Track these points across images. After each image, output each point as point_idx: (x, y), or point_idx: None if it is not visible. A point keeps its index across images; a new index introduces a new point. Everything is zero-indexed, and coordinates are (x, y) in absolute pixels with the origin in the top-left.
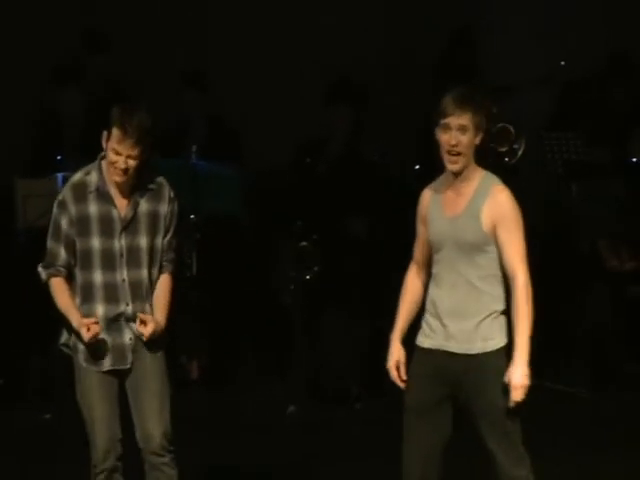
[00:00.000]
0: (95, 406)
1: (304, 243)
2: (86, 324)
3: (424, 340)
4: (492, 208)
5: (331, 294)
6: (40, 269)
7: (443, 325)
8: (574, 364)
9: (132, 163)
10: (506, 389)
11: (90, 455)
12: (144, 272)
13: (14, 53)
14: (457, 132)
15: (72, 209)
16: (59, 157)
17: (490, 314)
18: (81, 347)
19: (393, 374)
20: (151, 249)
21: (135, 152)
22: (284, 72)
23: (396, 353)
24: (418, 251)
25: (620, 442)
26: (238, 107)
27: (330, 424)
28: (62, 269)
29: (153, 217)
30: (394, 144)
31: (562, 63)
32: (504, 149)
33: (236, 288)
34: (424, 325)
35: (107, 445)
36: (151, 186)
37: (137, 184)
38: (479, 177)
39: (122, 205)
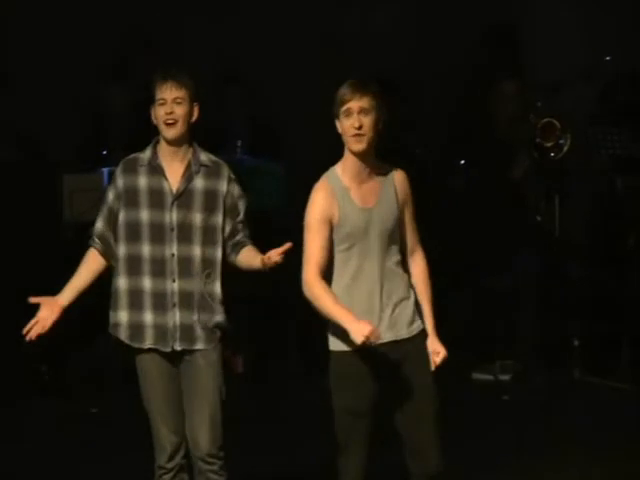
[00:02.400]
0: (159, 404)
1: None
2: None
3: (351, 343)
4: (401, 191)
5: None
6: (91, 240)
7: (377, 318)
8: (618, 358)
9: (179, 109)
10: (431, 368)
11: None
12: (196, 249)
13: (64, 52)
14: (359, 115)
15: (120, 181)
16: (104, 152)
17: (411, 297)
18: (123, 323)
19: (375, 339)
20: (206, 227)
21: (179, 94)
22: (322, 69)
23: (364, 321)
24: (319, 253)
25: None
26: (278, 105)
27: None
28: (97, 240)
29: (210, 194)
30: (432, 140)
31: (607, 58)
32: (550, 144)
33: (282, 283)
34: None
35: (173, 445)
36: (207, 163)
37: (191, 160)
38: (378, 165)
39: (174, 179)
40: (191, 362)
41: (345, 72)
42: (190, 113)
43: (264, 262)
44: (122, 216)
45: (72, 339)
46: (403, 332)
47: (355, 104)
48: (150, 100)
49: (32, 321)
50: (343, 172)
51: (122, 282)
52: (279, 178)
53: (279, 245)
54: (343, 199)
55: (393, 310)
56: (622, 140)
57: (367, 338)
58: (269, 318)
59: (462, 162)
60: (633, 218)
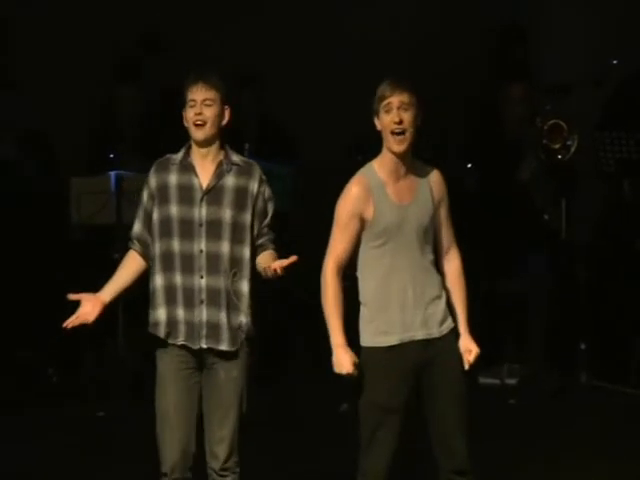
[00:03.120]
0: (169, 411)
1: None
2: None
3: (386, 339)
4: (437, 190)
5: None
6: (130, 243)
7: (409, 316)
8: (627, 362)
9: (208, 110)
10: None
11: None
12: (225, 246)
13: (75, 53)
14: (399, 110)
15: (152, 181)
16: (112, 155)
17: (443, 296)
18: (162, 321)
19: (354, 374)
20: (235, 224)
21: (209, 95)
22: (335, 72)
23: (350, 355)
24: (342, 248)
25: None
26: (290, 107)
27: None
28: (135, 242)
29: (241, 192)
30: (443, 142)
31: (614, 62)
32: (557, 146)
33: (288, 285)
34: (382, 324)
35: (174, 459)
36: (239, 163)
37: (222, 160)
38: (415, 163)
39: (205, 176)
40: (212, 373)
41: (357, 75)
42: (220, 115)
43: (265, 270)
44: (155, 214)
45: (81, 343)
46: (434, 331)
47: (395, 99)
48: (164, 101)
49: (72, 317)
50: (380, 168)
51: (158, 279)
52: (289, 181)
53: (289, 248)
54: (379, 195)
55: (426, 308)
56: (629, 144)
57: (343, 373)
58: (275, 320)
59: (469, 165)
60: None
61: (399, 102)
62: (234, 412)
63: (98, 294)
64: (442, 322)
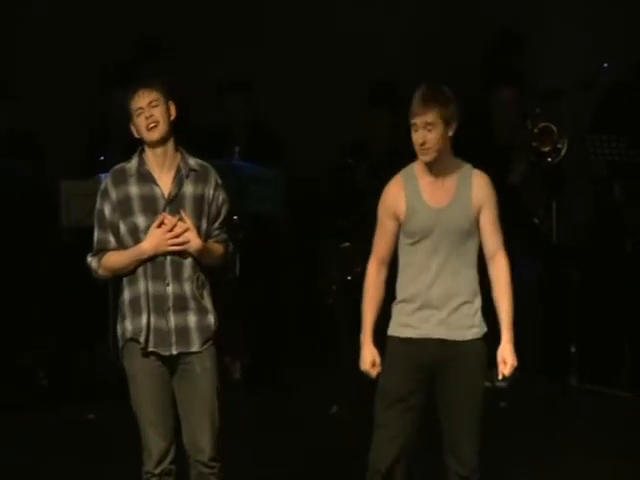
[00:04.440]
0: (147, 409)
1: (346, 244)
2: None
3: (405, 330)
4: (478, 193)
5: None
6: (89, 258)
7: (432, 314)
8: (618, 365)
9: (156, 112)
10: (484, 375)
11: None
12: (187, 253)
13: (67, 57)
14: (424, 130)
15: (113, 194)
16: (102, 158)
17: (473, 301)
18: (128, 327)
19: (371, 374)
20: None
21: (153, 96)
22: (325, 75)
23: (371, 353)
24: (382, 247)
25: None
26: (279, 111)
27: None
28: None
29: (198, 199)
30: None
31: (605, 65)
32: (547, 149)
33: (279, 289)
34: (403, 316)
35: (160, 450)
36: (195, 167)
37: (180, 164)
38: (458, 165)
39: (165, 184)
40: (187, 369)
41: (347, 77)
42: (168, 112)
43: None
44: (122, 227)
45: (71, 344)
46: (456, 334)
47: (420, 120)
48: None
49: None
50: (418, 169)
51: (129, 290)
52: (278, 184)
53: (277, 250)
54: (413, 196)
55: (449, 310)
56: (620, 147)
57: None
58: (266, 324)
59: None
60: (630, 223)
61: (424, 124)
62: (213, 403)
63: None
64: (469, 327)
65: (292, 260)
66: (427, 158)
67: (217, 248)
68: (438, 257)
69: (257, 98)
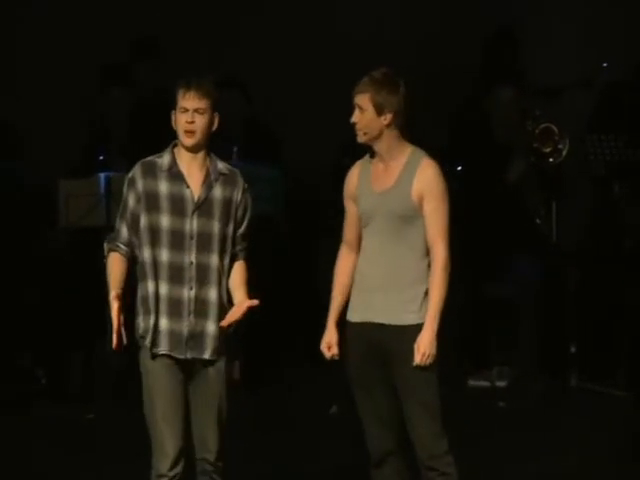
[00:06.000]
0: (164, 411)
1: None
2: (117, 298)
3: (353, 315)
4: (420, 181)
5: None
6: (105, 243)
7: (371, 298)
8: (617, 365)
9: (199, 119)
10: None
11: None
12: (214, 258)
13: (64, 56)
14: (357, 110)
15: (140, 185)
16: (101, 157)
17: (415, 287)
18: (148, 329)
19: (326, 355)
20: (222, 236)
21: (201, 105)
22: (323, 74)
23: (329, 335)
24: (348, 231)
25: None
26: (276, 109)
27: None
28: (122, 246)
29: (227, 203)
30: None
31: (604, 65)
32: (548, 149)
33: (278, 289)
34: (352, 300)
35: (176, 450)
36: (224, 171)
37: (209, 168)
38: (407, 152)
39: (195, 186)
40: (201, 371)
41: (345, 76)
42: (211, 123)
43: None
44: (143, 221)
45: (69, 343)
46: (391, 318)
47: (355, 99)
48: (153, 103)
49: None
50: (375, 155)
51: (145, 288)
52: (276, 184)
53: (273, 250)
54: (363, 180)
55: (389, 294)
56: (618, 146)
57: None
58: (265, 324)
59: (459, 168)
60: (629, 223)
61: (355, 104)
62: (223, 405)
63: (114, 295)
64: (404, 312)
65: (292, 260)
66: (359, 139)
67: (244, 278)
68: (379, 241)
69: (255, 97)
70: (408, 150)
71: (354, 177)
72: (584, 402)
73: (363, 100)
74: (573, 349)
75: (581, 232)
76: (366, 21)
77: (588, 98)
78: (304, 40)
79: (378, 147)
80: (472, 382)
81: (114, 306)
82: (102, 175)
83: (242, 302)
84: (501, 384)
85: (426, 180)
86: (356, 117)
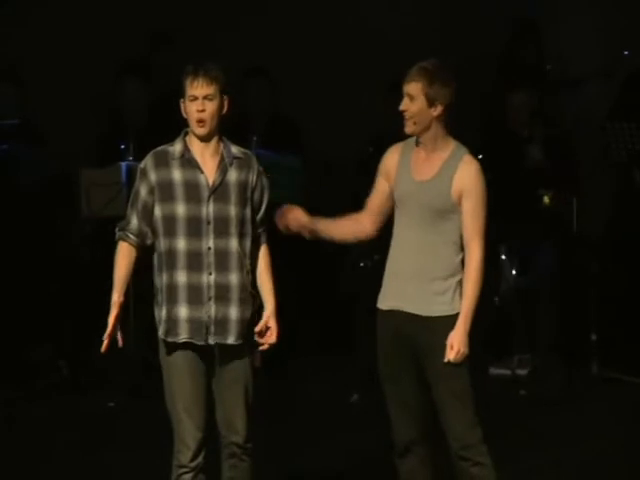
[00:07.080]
0: (186, 402)
1: None
2: (119, 305)
3: (384, 302)
4: (461, 178)
5: None
6: (116, 229)
7: (403, 286)
8: (636, 352)
9: (210, 106)
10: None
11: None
12: (233, 242)
13: (83, 47)
14: (406, 99)
15: (152, 175)
16: (122, 146)
17: (449, 280)
18: (168, 318)
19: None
20: (240, 219)
21: (210, 91)
22: (346, 65)
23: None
24: (371, 202)
25: None
26: (299, 100)
27: None
28: (132, 236)
29: (242, 186)
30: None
31: (625, 53)
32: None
33: (299, 276)
34: (384, 286)
35: (197, 441)
36: (238, 155)
37: (223, 153)
38: (451, 147)
39: (210, 171)
40: (225, 356)
41: (366, 67)
42: (221, 107)
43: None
44: (158, 211)
45: (91, 334)
46: (422, 309)
47: (405, 88)
48: (171, 95)
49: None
50: (414, 143)
51: (164, 277)
52: (296, 172)
53: (293, 238)
54: (403, 164)
55: (422, 284)
56: None
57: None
58: (286, 312)
59: (480, 157)
60: None
61: (406, 92)
62: (249, 387)
63: (116, 301)
64: (434, 304)
65: (311, 248)
66: (407, 130)
67: (268, 264)
68: (414, 231)
69: (277, 87)
70: (452, 145)
71: (395, 155)
72: (605, 390)
73: (415, 89)
74: (594, 337)
75: (602, 220)
76: (390, 14)
77: (609, 87)
78: (327, 31)
79: (424, 137)
80: (493, 370)
81: (113, 312)
82: (123, 164)
83: (273, 330)
84: (522, 372)
85: (467, 178)
86: (405, 105)
